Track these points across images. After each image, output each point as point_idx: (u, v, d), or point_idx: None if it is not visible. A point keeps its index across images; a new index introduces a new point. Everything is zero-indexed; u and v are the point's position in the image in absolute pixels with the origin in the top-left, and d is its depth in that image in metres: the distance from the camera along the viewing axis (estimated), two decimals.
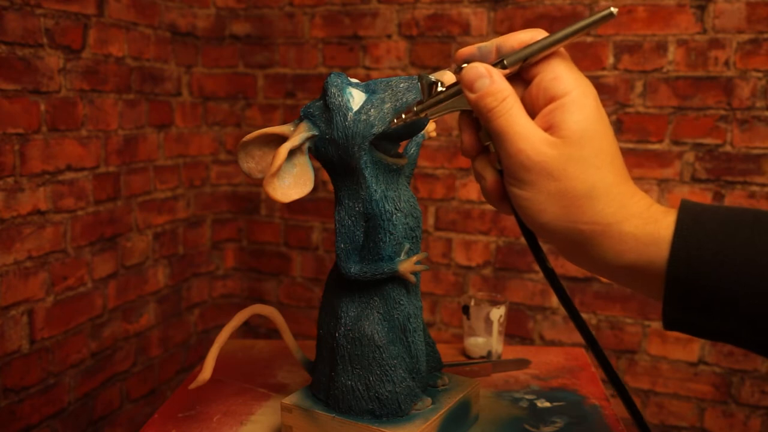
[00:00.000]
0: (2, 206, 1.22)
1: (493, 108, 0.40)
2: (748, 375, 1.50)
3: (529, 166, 0.39)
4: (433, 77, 0.45)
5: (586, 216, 0.38)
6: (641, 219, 0.38)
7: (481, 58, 0.42)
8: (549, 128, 0.39)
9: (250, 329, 1.97)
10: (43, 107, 1.30)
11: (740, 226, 0.36)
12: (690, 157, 1.50)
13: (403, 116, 0.49)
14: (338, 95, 0.58)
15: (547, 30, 0.41)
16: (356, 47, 1.75)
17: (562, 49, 0.41)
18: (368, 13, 1.73)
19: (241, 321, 0.68)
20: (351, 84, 0.59)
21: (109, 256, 1.51)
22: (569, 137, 0.38)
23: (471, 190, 1.68)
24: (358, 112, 0.58)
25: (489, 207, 1.67)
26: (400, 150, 0.65)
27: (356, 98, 0.58)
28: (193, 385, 0.67)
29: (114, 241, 1.53)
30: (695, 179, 1.50)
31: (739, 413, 1.52)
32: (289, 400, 0.66)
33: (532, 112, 0.41)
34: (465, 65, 0.41)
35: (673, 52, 1.48)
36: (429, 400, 0.64)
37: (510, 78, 0.41)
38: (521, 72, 0.41)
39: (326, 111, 0.58)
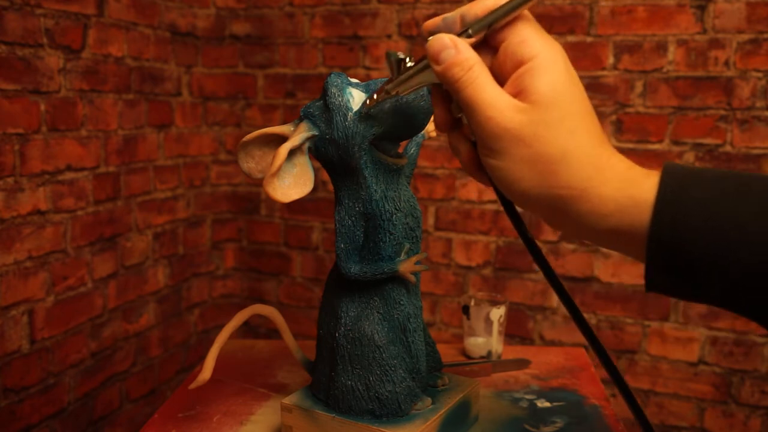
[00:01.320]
0: (2, 206, 1.22)
1: (459, 78, 0.39)
2: (748, 375, 1.50)
3: (499, 134, 0.38)
4: (401, 54, 0.45)
5: (562, 180, 0.38)
6: (620, 182, 0.37)
7: (447, 29, 0.41)
8: (518, 94, 0.39)
9: (250, 329, 1.97)
10: (43, 107, 1.30)
11: (727, 189, 0.35)
12: (690, 157, 1.50)
13: (375, 96, 0.48)
14: (338, 95, 0.58)
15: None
16: (356, 47, 1.75)
17: (527, 12, 0.40)
18: (368, 13, 1.73)
19: (241, 321, 0.68)
20: (351, 84, 0.59)
21: (109, 256, 1.51)
22: (538, 101, 0.38)
23: (471, 190, 1.68)
24: (358, 112, 0.58)
25: (489, 207, 1.67)
26: (400, 150, 0.65)
27: (356, 98, 0.58)
28: (193, 385, 0.67)
29: (114, 241, 1.53)
30: None
31: (739, 413, 1.52)
32: (289, 400, 0.66)
33: (501, 78, 0.40)
34: (430, 38, 0.41)
35: (673, 52, 1.48)
36: (429, 400, 0.64)
37: (477, 46, 0.40)
38: (488, 39, 0.41)
39: (326, 111, 0.58)
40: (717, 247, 0.34)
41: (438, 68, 0.40)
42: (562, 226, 0.40)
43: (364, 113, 0.55)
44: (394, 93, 0.46)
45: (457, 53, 0.39)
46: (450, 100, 0.43)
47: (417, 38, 1.69)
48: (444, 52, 0.40)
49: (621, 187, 0.37)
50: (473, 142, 0.42)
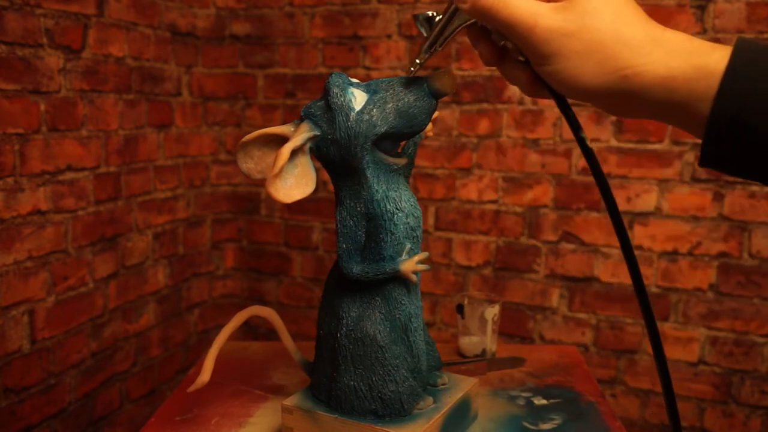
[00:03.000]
0: (2, 206, 1.22)
1: (490, 5, 0.40)
2: (748, 375, 1.50)
3: (547, 37, 0.39)
4: (428, 12, 0.46)
5: (622, 61, 0.38)
6: (684, 52, 0.37)
7: None
8: None
9: (250, 329, 1.97)
10: (43, 107, 1.30)
11: None
12: (690, 157, 1.50)
13: (417, 61, 0.49)
14: (340, 95, 0.58)
15: None
16: (356, 47, 1.75)
17: None
18: (368, 13, 1.73)
19: (239, 323, 0.68)
20: (352, 84, 0.59)
21: (110, 256, 1.51)
22: None
23: (471, 190, 1.68)
24: (361, 111, 0.57)
25: (489, 207, 1.67)
26: (398, 150, 0.65)
27: (358, 98, 0.58)
28: (192, 388, 0.66)
29: (114, 241, 1.53)
30: (695, 179, 1.50)
31: (739, 413, 1.52)
32: (290, 401, 0.66)
33: None
34: None
35: None
36: (431, 399, 0.64)
37: None
38: None
39: (328, 111, 0.58)
40: None
41: (466, 6, 0.42)
42: (626, 110, 0.40)
43: (412, 74, 0.55)
44: (433, 50, 0.47)
45: None
46: (489, 34, 0.44)
47: (417, 38, 1.69)
48: None
49: (686, 57, 0.37)
50: (525, 62, 0.43)
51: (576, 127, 0.43)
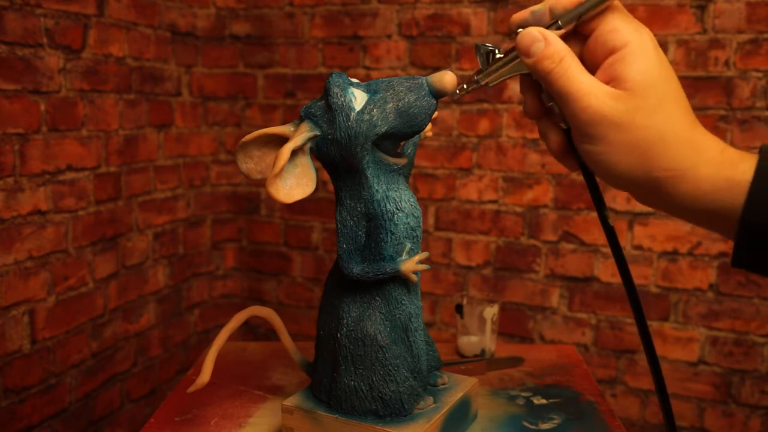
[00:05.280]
0: (2, 206, 1.22)
1: (551, 70, 0.41)
2: (748, 375, 1.50)
3: (597, 120, 0.40)
4: (490, 46, 0.46)
5: (662, 163, 0.39)
6: (716, 164, 0.38)
7: (535, 22, 0.43)
8: (611, 81, 0.40)
9: (250, 329, 1.97)
10: (43, 107, 1.30)
11: None
12: None
13: (465, 87, 0.49)
14: (341, 95, 0.58)
15: None
16: (356, 47, 1.75)
17: (616, 1, 0.41)
18: (368, 13, 1.73)
19: (238, 323, 0.68)
20: (352, 84, 0.59)
21: (110, 256, 1.51)
22: (633, 89, 0.39)
23: (471, 190, 1.68)
24: (361, 111, 0.57)
25: (489, 207, 1.67)
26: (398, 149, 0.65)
27: (358, 98, 0.58)
28: (192, 389, 0.66)
29: (115, 241, 1.53)
30: None
31: (739, 413, 1.52)
32: (290, 401, 0.66)
33: (592, 66, 0.41)
34: (520, 30, 0.42)
35: (673, 52, 1.48)
36: (431, 399, 0.65)
37: (566, 35, 0.42)
38: (577, 28, 0.42)
39: (328, 111, 0.58)
40: None
41: (529, 61, 0.42)
42: (655, 204, 0.42)
43: (454, 100, 0.56)
44: (483, 83, 0.47)
45: (548, 46, 0.41)
46: (539, 89, 0.44)
47: (417, 38, 1.69)
48: (534, 45, 0.41)
49: (717, 169, 0.38)
50: (565, 129, 0.44)
51: (600, 206, 0.44)
